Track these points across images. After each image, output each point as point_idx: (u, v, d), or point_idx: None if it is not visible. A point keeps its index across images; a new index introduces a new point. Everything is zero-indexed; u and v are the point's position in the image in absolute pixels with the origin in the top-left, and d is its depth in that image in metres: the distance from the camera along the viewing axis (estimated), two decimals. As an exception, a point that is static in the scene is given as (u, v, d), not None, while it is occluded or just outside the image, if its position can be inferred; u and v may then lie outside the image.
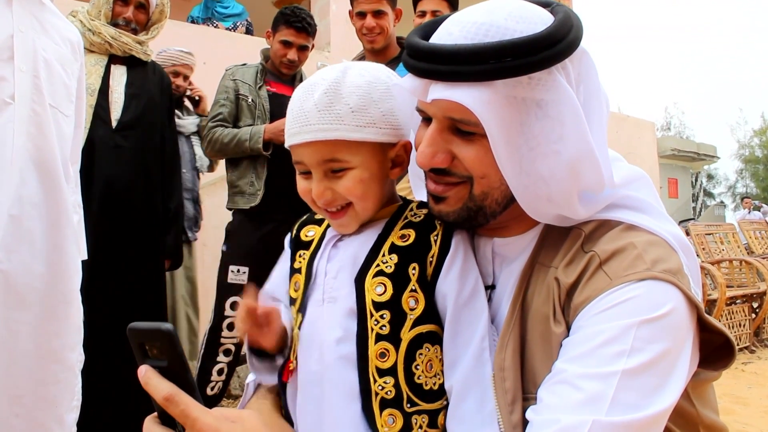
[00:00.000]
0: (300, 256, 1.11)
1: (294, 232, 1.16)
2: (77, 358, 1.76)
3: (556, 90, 0.86)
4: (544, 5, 0.95)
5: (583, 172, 0.88)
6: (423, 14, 3.05)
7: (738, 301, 5.53)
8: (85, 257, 1.98)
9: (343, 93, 0.98)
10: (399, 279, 0.97)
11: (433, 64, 0.88)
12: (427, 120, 0.96)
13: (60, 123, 1.72)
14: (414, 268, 0.98)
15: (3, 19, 1.60)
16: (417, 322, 0.96)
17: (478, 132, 0.88)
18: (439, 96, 0.89)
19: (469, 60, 0.85)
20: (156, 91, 2.88)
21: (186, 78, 3.86)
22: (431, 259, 0.98)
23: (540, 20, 0.88)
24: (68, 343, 1.71)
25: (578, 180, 0.89)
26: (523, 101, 0.86)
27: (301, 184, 1.05)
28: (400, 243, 1.00)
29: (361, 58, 3.22)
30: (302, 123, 0.98)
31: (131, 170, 2.69)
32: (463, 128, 0.91)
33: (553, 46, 0.84)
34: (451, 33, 0.90)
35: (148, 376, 0.74)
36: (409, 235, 1.01)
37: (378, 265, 0.99)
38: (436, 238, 1.00)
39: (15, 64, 1.59)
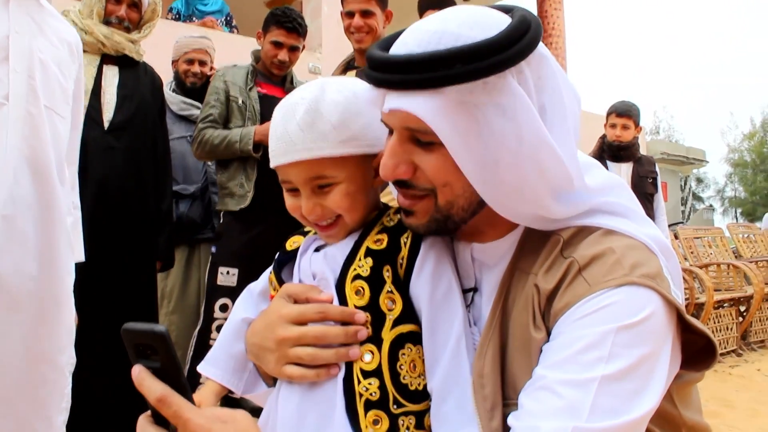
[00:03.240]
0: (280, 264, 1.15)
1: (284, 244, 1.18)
2: (67, 360, 1.76)
3: (512, 94, 0.85)
4: (507, 11, 0.94)
5: (547, 167, 0.88)
6: (351, 15, 3.09)
7: (725, 304, 5.56)
8: (82, 259, 1.98)
9: (323, 110, 0.99)
10: (375, 281, 0.99)
11: (386, 74, 0.88)
12: (392, 132, 0.96)
13: (55, 124, 1.72)
14: (387, 270, 0.99)
15: None
16: (397, 322, 0.97)
17: (437, 141, 0.88)
18: (392, 106, 0.89)
19: (419, 68, 0.85)
20: (148, 92, 2.88)
21: (203, 63, 3.76)
22: (401, 261, 1.00)
23: (495, 25, 0.88)
24: (58, 345, 1.71)
25: (544, 176, 0.89)
26: (479, 106, 0.86)
27: (290, 200, 1.08)
28: (374, 247, 1.02)
29: (351, 59, 3.23)
30: (287, 144, 0.99)
31: (123, 171, 2.68)
32: (421, 138, 0.91)
33: (503, 51, 0.84)
34: (406, 43, 0.90)
35: (141, 376, 0.75)
36: (383, 239, 1.03)
37: (355, 269, 1.00)
38: (406, 240, 1.01)
39: (10, 65, 1.59)
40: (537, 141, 0.87)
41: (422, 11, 3.20)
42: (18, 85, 1.60)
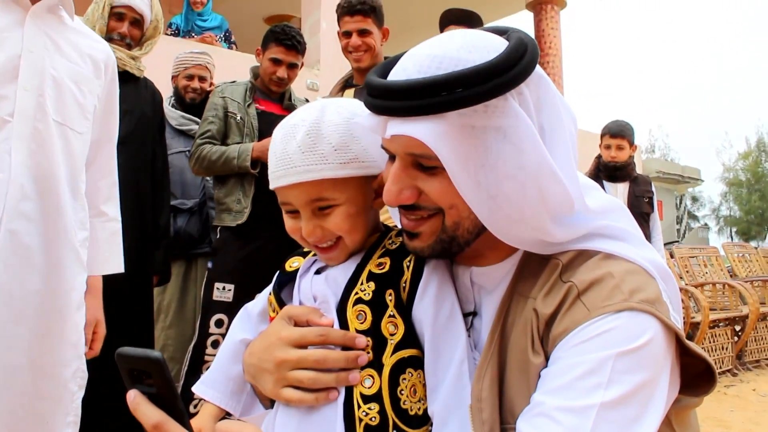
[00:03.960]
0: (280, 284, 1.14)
1: (283, 264, 1.18)
2: (74, 373, 1.76)
3: (514, 116, 0.86)
4: (501, 32, 0.95)
5: (549, 191, 0.88)
6: (348, 34, 3.10)
7: (721, 324, 5.56)
8: (121, 270, 2.04)
9: (324, 132, 1.00)
10: (377, 305, 0.98)
11: (387, 101, 0.88)
12: (393, 157, 0.96)
13: (69, 139, 1.73)
14: (390, 294, 0.99)
15: (12, 40, 1.63)
16: (398, 347, 0.97)
17: (440, 165, 0.88)
18: (395, 132, 0.89)
19: (420, 94, 0.84)
20: (148, 107, 2.89)
21: (203, 79, 3.78)
22: (404, 284, 0.99)
23: (493, 48, 0.88)
24: (61, 359, 1.71)
25: (545, 200, 0.89)
26: (482, 129, 0.86)
27: (289, 222, 1.07)
28: (377, 271, 1.02)
29: (350, 77, 3.25)
30: (287, 166, 0.99)
31: (122, 186, 2.68)
32: (425, 163, 0.91)
33: (504, 74, 0.84)
34: (406, 68, 0.90)
35: (137, 401, 0.74)
36: (385, 263, 1.02)
37: (357, 293, 1.00)
38: (408, 263, 1.01)
39: (18, 83, 1.61)
40: (538, 163, 0.87)
41: (444, 26, 3.21)
42: (25, 102, 1.62)
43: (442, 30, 3.18)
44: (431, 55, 0.88)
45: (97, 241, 1.90)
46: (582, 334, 0.84)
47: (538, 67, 0.91)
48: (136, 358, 0.73)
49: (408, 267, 1.00)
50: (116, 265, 2.02)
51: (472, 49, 0.87)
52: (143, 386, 0.74)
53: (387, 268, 1.01)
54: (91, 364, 1.86)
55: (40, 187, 1.64)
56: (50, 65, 1.69)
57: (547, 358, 0.87)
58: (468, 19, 3.19)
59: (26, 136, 1.61)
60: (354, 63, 3.11)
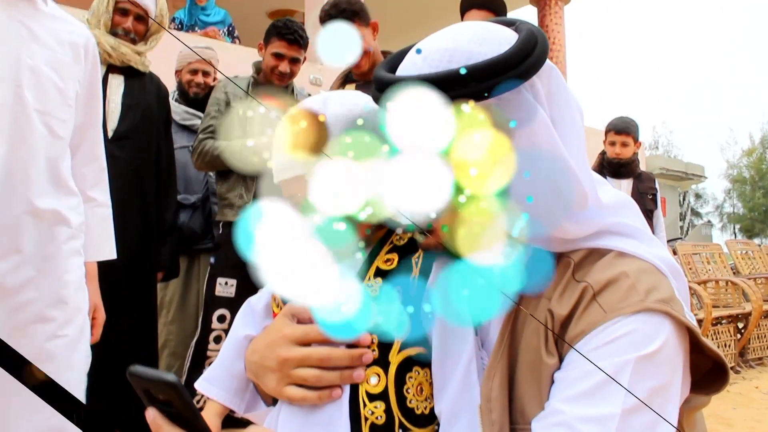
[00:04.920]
0: None
1: None
2: (78, 359, 1.76)
3: (526, 109, 0.84)
4: (508, 24, 0.93)
5: (563, 185, 0.87)
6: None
7: (723, 321, 5.56)
8: (114, 256, 2.01)
9: (327, 125, 0.99)
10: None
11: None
12: None
13: (53, 127, 1.72)
14: (398, 291, 0.98)
15: None
16: (405, 345, 0.96)
17: None
18: None
19: (432, 89, 0.82)
20: (153, 102, 2.88)
21: (206, 74, 3.79)
22: (412, 281, 0.98)
23: (504, 40, 0.86)
24: (63, 344, 1.71)
25: (559, 195, 0.87)
26: (495, 124, 0.84)
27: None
28: (384, 267, 1.01)
29: (348, 73, 3.23)
30: (290, 159, 0.99)
31: (126, 181, 2.68)
32: None
33: (517, 66, 0.82)
34: (415, 62, 0.88)
35: (158, 423, 0.72)
36: (393, 259, 1.02)
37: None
38: (417, 260, 1.00)
39: None
40: (552, 157, 0.85)
41: (465, 10, 3.16)
42: (1, 94, 1.61)
43: (463, 15, 3.14)
44: (441, 48, 0.86)
45: (88, 228, 1.90)
46: (599, 337, 0.82)
47: (547, 59, 0.89)
48: (150, 380, 0.69)
49: (416, 263, 1.00)
50: (109, 251, 2.00)
51: (482, 41, 0.86)
52: (161, 404, 0.71)
53: (395, 264, 1.01)
54: (94, 357, 1.86)
55: (23, 177, 1.63)
56: (26, 55, 1.67)
57: (560, 359, 0.86)
58: (490, 3, 3.13)
59: (5, 128, 1.61)
60: (355, 69, 3.08)
